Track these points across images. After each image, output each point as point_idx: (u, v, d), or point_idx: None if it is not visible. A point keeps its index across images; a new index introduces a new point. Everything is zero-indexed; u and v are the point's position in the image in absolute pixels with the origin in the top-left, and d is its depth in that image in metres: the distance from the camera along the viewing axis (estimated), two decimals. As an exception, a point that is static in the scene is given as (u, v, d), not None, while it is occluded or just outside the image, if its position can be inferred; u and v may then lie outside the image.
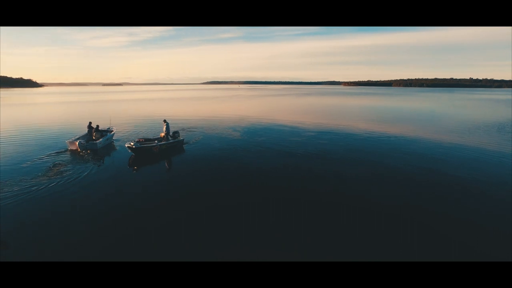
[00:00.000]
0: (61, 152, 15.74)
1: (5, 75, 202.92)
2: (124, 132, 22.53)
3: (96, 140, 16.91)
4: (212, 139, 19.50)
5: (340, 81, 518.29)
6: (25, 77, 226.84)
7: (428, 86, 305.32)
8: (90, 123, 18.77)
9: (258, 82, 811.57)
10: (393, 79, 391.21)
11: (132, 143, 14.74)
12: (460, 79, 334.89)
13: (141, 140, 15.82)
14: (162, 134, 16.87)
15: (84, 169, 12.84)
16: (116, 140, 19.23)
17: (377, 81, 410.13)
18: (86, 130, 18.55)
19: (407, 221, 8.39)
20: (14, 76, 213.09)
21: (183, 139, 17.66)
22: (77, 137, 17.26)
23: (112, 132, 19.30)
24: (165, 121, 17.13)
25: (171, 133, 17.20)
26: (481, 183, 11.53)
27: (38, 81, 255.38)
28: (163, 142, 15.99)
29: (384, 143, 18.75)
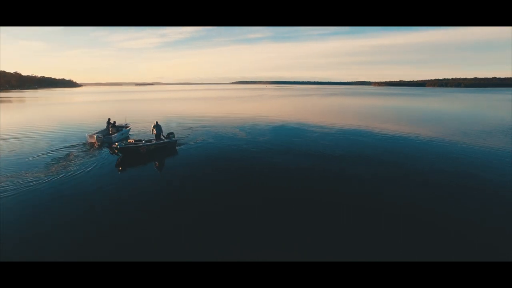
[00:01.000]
0: (80, 144, 17.40)
1: (49, 76, 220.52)
2: (141, 128, 24.08)
3: (112, 135, 18.36)
4: (217, 138, 19.74)
5: (371, 81, 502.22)
6: (67, 78, 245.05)
7: (466, 86, 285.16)
8: (109, 119, 20.38)
9: (286, 82, 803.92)
10: (427, 79, 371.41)
11: (117, 144, 14.78)
12: (504, 78, 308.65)
13: (131, 141, 15.57)
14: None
15: (89, 164, 13.48)
16: (131, 135, 20.69)
17: (410, 81, 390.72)
18: (106, 126, 20.03)
19: (407, 221, 8.34)
20: (57, 77, 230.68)
21: (175, 140, 17.26)
22: (96, 131, 18.94)
23: (128, 128, 20.95)
24: (157, 123, 17.17)
25: (165, 134, 17.27)
26: (484, 183, 11.36)
27: (77, 81, 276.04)
28: (151, 143, 15.79)
29: (394, 143, 18.52)
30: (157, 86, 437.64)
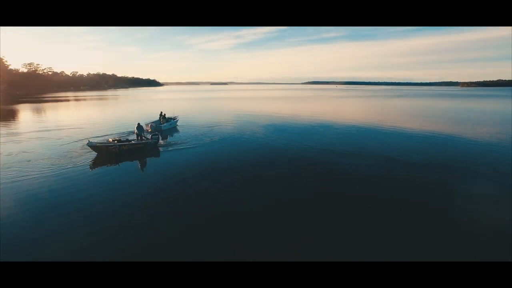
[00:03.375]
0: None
1: (137, 76, 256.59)
2: (188, 120, 28.88)
3: (162, 124, 23.39)
4: (230, 137, 20.18)
5: (459, 81, 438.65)
6: (151, 78, 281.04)
7: None
8: (161, 112, 25.62)
9: (360, 82, 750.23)
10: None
11: (88, 141, 15.19)
12: None
13: (110, 140, 16.05)
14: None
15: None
16: (179, 125, 25.60)
17: (510, 81, 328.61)
18: (158, 117, 25.31)
19: (407, 221, 8.34)
20: (143, 77, 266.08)
21: (155, 142, 17.14)
22: (151, 121, 24.47)
23: (176, 120, 26.12)
24: (138, 124, 17.66)
25: (149, 135, 18.13)
26: (485, 182, 11.39)
27: (160, 81, 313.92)
28: (123, 143, 15.87)
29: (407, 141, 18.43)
30: (230, 85, 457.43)
